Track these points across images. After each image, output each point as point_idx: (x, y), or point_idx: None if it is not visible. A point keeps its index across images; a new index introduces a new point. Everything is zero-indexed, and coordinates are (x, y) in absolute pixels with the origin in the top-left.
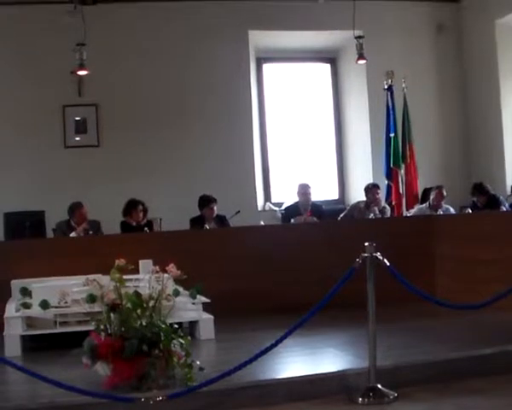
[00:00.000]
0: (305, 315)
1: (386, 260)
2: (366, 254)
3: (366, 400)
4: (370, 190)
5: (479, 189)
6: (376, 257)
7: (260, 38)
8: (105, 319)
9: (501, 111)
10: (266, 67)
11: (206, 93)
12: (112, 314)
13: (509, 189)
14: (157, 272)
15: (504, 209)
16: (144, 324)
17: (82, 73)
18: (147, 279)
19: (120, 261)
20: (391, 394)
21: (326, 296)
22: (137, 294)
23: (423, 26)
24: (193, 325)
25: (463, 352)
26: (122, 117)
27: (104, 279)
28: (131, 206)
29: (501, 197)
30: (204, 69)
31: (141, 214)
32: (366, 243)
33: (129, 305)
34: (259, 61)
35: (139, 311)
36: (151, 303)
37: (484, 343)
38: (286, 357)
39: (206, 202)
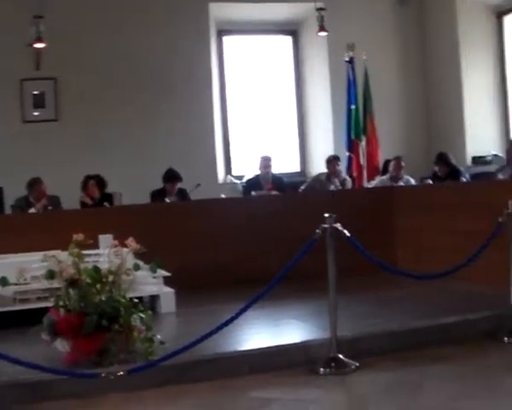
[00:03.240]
0: (266, 287)
1: (346, 231)
2: (326, 226)
3: (328, 370)
4: (331, 161)
5: (443, 159)
6: (336, 228)
7: (221, 11)
8: (64, 294)
9: (462, 83)
10: (227, 39)
11: (166, 67)
12: (71, 290)
13: (469, 160)
14: (116, 246)
15: (465, 181)
16: (104, 299)
17: (39, 45)
18: (106, 254)
19: (78, 236)
20: (352, 364)
21: (285, 268)
22: (96, 269)
23: None
24: (154, 299)
25: (425, 321)
26: (81, 91)
27: (63, 255)
28: (85, 182)
29: (461, 169)
30: (164, 43)
31: (95, 189)
32: (326, 214)
33: (88, 280)
34: (220, 34)
35: (98, 286)
36: (110, 278)
37: (445, 312)
38: (248, 329)
39: (171, 177)
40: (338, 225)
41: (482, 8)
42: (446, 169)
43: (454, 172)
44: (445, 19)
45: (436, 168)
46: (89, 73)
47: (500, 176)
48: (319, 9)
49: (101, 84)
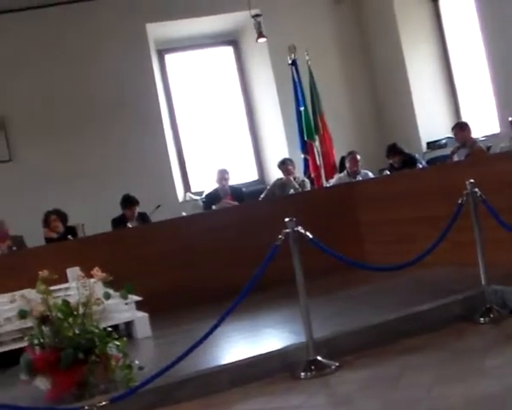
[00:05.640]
0: (236, 300)
1: (308, 233)
2: (288, 230)
3: (308, 374)
4: (282, 164)
5: (393, 150)
6: (298, 231)
7: (159, 30)
8: (37, 332)
9: (406, 70)
10: (169, 57)
11: (112, 94)
12: (43, 327)
13: (424, 146)
14: (82, 277)
15: (421, 166)
16: (77, 332)
17: None
18: (75, 287)
19: (43, 273)
20: (332, 364)
21: (252, 278)
22: (66, 303)
23: None
24: (129, 325)
25: (398, 313)
26: (31, 127)
27: (33, 293)
28: (46, 218)
29: (417, 155)
30: (107, 70)
31: (58, 224)
32: (286, 219)
33: (59, 315)
34: (161, 53)
35: (70, 319)
36: (81, 310)
37: (418, 301)
38: (225, 343)
39: (127, 202)
40: (299, 228)
41: None
42: (400, 158)
43: (409, 160)
44: (382, 9)
45: (390, 161)
46: (36, 109)
47: (456, 158)
48: (255, 16)
49: (50, 118)
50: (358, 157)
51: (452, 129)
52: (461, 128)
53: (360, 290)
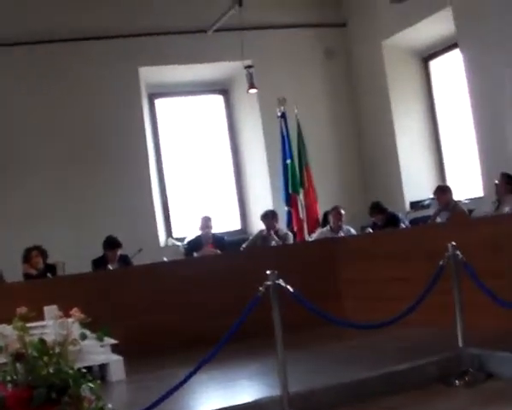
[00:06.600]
0: (213, 349)
1: (289, 287)
2: (269, 282)
3: None
4: (265, 217)
5: (376, 208)
6: (279, 284)
7: (151, 74)
8: (11, 369)
9: (394, 129)
10: (159, 102)
11: (99, 134)
12: (18, 364)
13: (408, 205)
14: (61, 317)
15: (404, 226)
16: (52, 371)
17: None
18: (52, 325)
19: (22, 310)
20: None
21: (232, 328)
22: (42, 341)
23: (312, 52)
24: (103, 367)
25: (374, 371)
26: (13, 164)
27: (9, 329)
28: (27, 254)
29: (400, 214)
30: (96, 109)
31: (39, 260)
32: (268, 271)
33: (34, 353)
34: (151, 98)
35: (45, 358)
36: (57, 350)
37: (394, 361)
38: (199, 393)
39: (110, 244)
40: (281, 281)
41: (409, 55)
42: (383, 217)
43: (392, 219)
44: (373, 67)
45: (373, 219)
46: (21, 145)
47: (438, 220)
48: (247, 67)
49: (34, 155)
50: (342, 212)
51: (434, 193)
52: (442, 191)
53: (337, 347)
